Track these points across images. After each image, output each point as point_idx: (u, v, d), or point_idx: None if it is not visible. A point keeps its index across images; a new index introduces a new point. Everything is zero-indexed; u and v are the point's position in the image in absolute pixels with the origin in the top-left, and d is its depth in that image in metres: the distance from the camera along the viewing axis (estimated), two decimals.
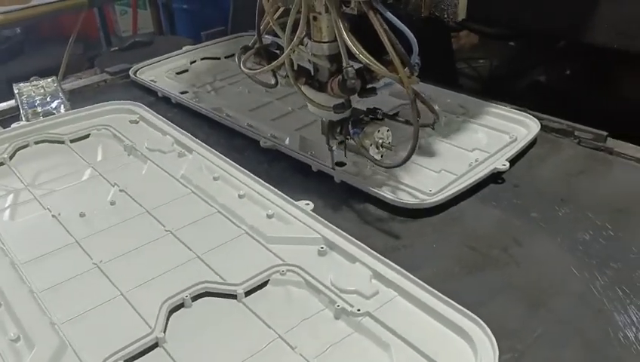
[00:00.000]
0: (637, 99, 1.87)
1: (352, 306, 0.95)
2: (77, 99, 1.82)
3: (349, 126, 1.19)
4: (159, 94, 1.87)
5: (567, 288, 1.09)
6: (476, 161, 1.44)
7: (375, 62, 1.01)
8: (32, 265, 1.09)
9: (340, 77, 1.08)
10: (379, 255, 1.06)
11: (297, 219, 1.16)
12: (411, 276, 1.00)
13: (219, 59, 2.15)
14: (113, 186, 1.32)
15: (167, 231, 1.16)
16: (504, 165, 1.39)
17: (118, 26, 4.74)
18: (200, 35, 4.08)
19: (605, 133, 1.51)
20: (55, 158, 1.46)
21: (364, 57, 1.01)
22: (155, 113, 1.60)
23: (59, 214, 1.22)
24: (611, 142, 1.51)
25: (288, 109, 1.74)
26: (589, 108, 1.70)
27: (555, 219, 1.27)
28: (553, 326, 1.01)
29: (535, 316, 1.03)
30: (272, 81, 1.27)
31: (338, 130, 1.23)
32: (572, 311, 1.04)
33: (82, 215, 1.22)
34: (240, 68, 1.25)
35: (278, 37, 1.20)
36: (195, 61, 2.12)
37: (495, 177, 1.39)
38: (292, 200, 1.21)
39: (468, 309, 0.96)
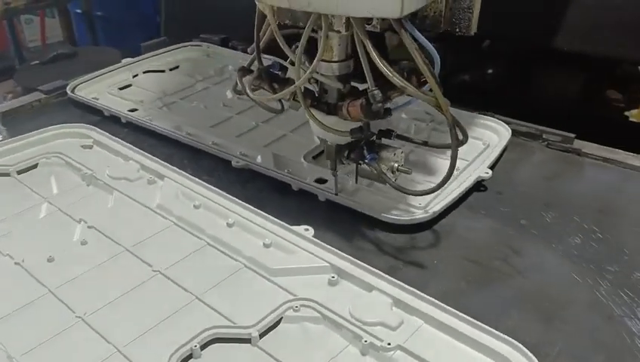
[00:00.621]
0: (554, 95, 1.96)
1: (381, 340, 0.89)
2: (11, 123, 1.64)
3: (364, 150, 1.12)
4: (105, 113, 1.71)
5: (574, 296, 1.09)
6: (457, 169, 1.42)
7: (408, 84, 0.95)
8: (1, 324, 0.94)
9: (363, 100, 1.00)
10: (396, 280, 1.00)
11: (299, 246, 1.08)
12: (435, 301, 0.95)
13: (163, 71, 2.01)
14: (79, 223, 1.18)
15: (155, 271, 1.04)
16: (487, 173, 1.38)
17: (24, 36, 4.42)
18: (121, 43, 3.87)
19: (573, 135, 1.54)
20: (2, 194, 1.29)
21: (398, 79, 0.94)
22: (110, 136, 1.46)
23: (22, 261, 1.07)
24: (578, 143, 1.54)
25: (252, 124, 1.65)
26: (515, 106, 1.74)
27: (544, 225, 1.28)
28: (571, 339, 1.00)
29: (551, 329, 1.02)
30: (279, 106, 1.17)
31: (345, 155, 1.16)
32: (585, 321, 1.04)
33: (50, 259, 1.08)
34: (247, 94, 1.14)
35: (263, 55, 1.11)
36: (137, 75, 1.97)
37: (477, 185, 1.38)
38: (289, 225, 1.13)
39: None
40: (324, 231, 1.22)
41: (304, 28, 0.98)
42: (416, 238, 1.23)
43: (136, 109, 1.73)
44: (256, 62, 1.13)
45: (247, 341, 0.91)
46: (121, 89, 1.88)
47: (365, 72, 0.96)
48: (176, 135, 1.57)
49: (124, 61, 2.01)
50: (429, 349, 0.88)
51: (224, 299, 0.98)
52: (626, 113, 2.43)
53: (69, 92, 1.79)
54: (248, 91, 1.12)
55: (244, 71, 1.14)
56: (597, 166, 1.49)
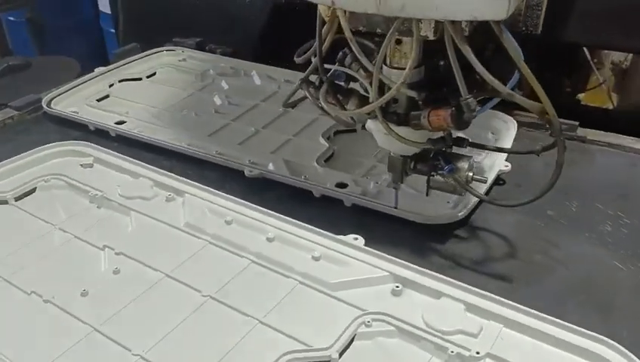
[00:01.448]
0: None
1: (468, 349, 0.85)
2: None
3: (440, 161, 1.06)
4: (91, 127, 1.59)
5: (621, 283, 1.10)
6: (474, 162, 1.40)
7: (512, 92, 0.90)
8: None
9: (453, 109, 0.94)
10: (465, 284, 0.97)
11: (352, 257, 1.03)
12: (511, 302, 0.93)
13: (140, 79, 1.89)
14: (103, 250, 1.07)
15: (205, 296, 0.96)
16: (506, 166, 1.37)
17: None
18: (61, 50, 3.64)
19: (577, 123, 1.56)
20: (4, 224, 1.16)
21: (503, 88, 0.89)
22: (112, 152, 1.35)
23: (53, 297, 0.96)
24: (581, 131, 1.57)
25: (252, 130, 1.58)
26: None
27: (571, 214, 1.28)
28: (635, 328, 1.00)
29: (612, 319, 1.02)
30: (350, 119, 1.10)
31: (411, 166, 1.10)
32: None
33: (84, 293, 0.97)
34: (321, 107, 1.06)
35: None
36: (113, 84, 1.85)
37: (496, 179, 1.37)
38: (335, 235, 1.08)
39: None
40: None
41: (380, 34, 0.92)
42: (453, 238, 1.21)
43: (123, 121, 1.62)
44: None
45: None
46: (99, 100, 1.75)
47: (457, 78, 0.90)
48: (176, 146, 1.47)
49: (97, 70, 1.88)
50: (518, 354, 0.85)
51: (289, 320, 0.92)
52: (578, 97, 2.53)
53: (45, 106, 1.65)
54: (324, 105, 1.04)
55: (308, 83, 1.07)
56: (604, 152, 1.51)
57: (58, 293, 0.97)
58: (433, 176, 1.11)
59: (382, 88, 0.98)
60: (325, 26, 0.98)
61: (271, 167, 1.40)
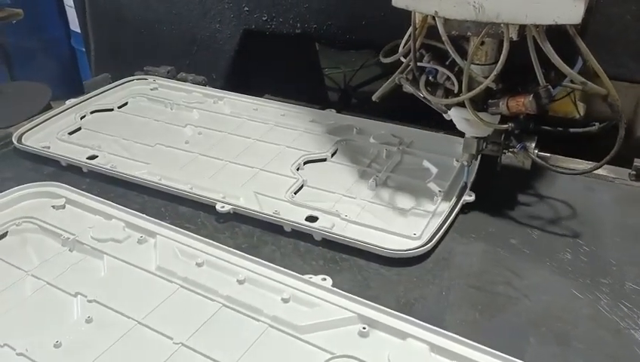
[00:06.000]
0: None
1: None
2: None
3: (513, 140, 1.29)
4: (63, 163, 1.60)
5: (580, 313, 1.14)
6: (440, 192, 1.44)
7: (586, 81, 1.11)
8: None
9: (532, 95, 1.14)
10: (428, 325, 1.01)
11: (320, 298, 1.06)
12: (471, 342, 0.97)
13: (112, 110, 1.90)
14: (75, 297, 1.09)
15: (176, 343, 0.98)
16: (470, 196, 1.42)
17: None
18: (31, 74, 3.60)
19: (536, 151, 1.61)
20: None
21: (578, 78, 1.11)
22: (83, 193, 1.36)
23: (26, 350, 0.97)
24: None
25: (221, 163, 1.60)
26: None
27: (533, 242, 1.33)
28: (590, 359, 1.04)
29: (570, 351, 1.06)
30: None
31: (484, 146, 1.33)
32: (597, 338, 1.09)
33: (57, 345, 0.98)
34: (425, 97, 1.27)
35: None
36: (84, 116, 1.86)
37: (462, 207, 1.41)
38: (303, 276, 1.11)
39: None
40: (323, 273, 1.20)
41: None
42: (417, 270, 1.24)
43: (95, 156, 1.63)
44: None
45: None
46: (70, 133, 1.76)
47: (537, 71, 1.10)
48: (149, 183, 1.49)
49: (68, 102, 1.89)
50: None
51: None
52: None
53: (15, 142, 1.66)
54: (426, 94, 1.25)
55: (407, 79, 1.28)
56: (556, 176, 1.55)
57: (31, 345, 0.98)
58: (505, 153, 1.36)
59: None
60: (417, 31, 1.19)
61: (242, 201, 1.43)
